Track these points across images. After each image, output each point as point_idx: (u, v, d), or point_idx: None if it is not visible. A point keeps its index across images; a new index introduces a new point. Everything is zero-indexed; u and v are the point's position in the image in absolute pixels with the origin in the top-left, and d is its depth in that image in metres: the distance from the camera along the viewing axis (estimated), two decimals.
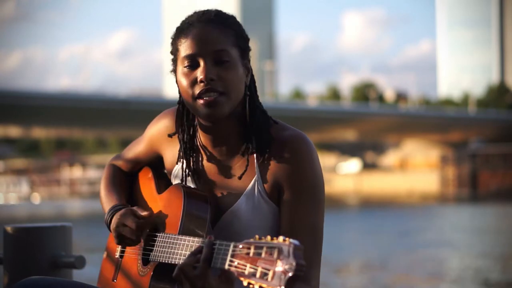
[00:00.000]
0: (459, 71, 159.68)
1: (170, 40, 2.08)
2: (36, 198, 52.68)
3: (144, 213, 2.06)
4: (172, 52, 2.07)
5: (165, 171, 2.24)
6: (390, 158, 73.14)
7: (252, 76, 2.10)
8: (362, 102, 75.01)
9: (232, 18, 2.06)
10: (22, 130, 55.18)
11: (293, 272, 1.57)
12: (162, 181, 2.22)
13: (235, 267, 1.66)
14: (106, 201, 2.22)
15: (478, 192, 52.96)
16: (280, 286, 1.57)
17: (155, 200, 2.16)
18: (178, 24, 2.08)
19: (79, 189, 59.39)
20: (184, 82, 2.01)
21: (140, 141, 2.30)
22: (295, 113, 49.52)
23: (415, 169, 64.18)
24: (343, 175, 67.91)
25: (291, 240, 1.60)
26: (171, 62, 2.08)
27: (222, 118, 2.01)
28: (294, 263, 1.57)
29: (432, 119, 57.87)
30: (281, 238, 1.62)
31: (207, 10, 2.05)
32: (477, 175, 55.27)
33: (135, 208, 2.10)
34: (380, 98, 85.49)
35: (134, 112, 41.99)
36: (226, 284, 1.76)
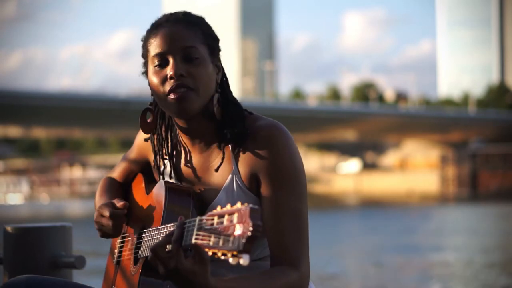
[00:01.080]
0: (459, 71, 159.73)
1: (141, 43, 2.11)
2: (37, 198, 52.71)
3: (120, 204, 2.11)
4: (143, 55, 2.10)
5: (154, 173, 2.28)
6: (390, 158, 73.16)
7: (224, 74, 2.13)
8: (362, 102, 74.99)
9: (200, 18, 2.09)
10: (22, 130, 55.21)
11: (250, 233, 1.59)
12: (152, 183, 2.25)
13: (201, 239, 1.69)
14: (98, 202, 2.28)
15: (478, 192, 53.01)
16: (238, 248, 1.59)
17: (143, 201, 2.20)
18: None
19: (79, 189, 59.46)
20: (155, 80, 2.03)
21: (131, 150, 2.36)
22: (295, 113, 49.53)
23: (415, 169, 64.21)
24: (343, 175, 67.97)
25: (250, 204, 1.63)
26: (142, 65, 2.12)
27: (192, 114, 2.03)
28: (250, 224, 1.59)
29: (432, 119, 57.89)
30: (239, 204, 1.64)
31: (176, 12, 2.09)
32: (477, 175, 55.34)
33: (114, 200, 2.14)
34: (380, 98, 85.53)
35: (134, 112, 41.98)
36: (200, 264, 1.74)
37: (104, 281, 2.28)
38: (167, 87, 2.00)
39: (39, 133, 61.27)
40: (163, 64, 2.02)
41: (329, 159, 74.23)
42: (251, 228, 1.59)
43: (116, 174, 2.39)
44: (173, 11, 2.12)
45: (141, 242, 2.09)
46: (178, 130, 2.13)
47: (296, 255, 1.98)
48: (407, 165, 67.96)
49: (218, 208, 1.68)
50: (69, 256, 2.83)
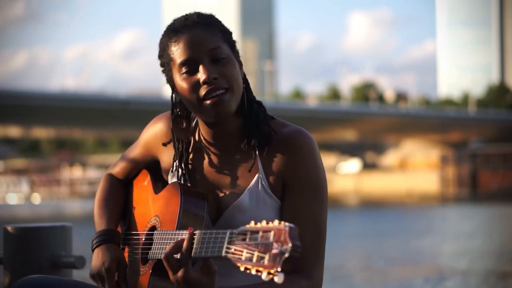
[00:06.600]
0: (459, 71, 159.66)
1: (159, 52, 2.08)
2: (36, 198, 52.67)
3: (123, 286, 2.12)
4: (164, 64, 2.07)
5: (162, 172, 2.25)
6: (390, 158, 73.10)
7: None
8: (362, 102, 74.97)
9: (211, 16, 2.08)
10: (22, 130, 55.20)
11: (288, 253, 1.58)
12: (159, 182, 2.24)
13: (232, 253, 1.67)
14: (97, 220, 2.28)
15: (478, 192, 52.93)
16: (276, 267, 1.57)
17: (152, 201, 2.18)
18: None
19: (79, 189, 59.39)
20: (185, 87, 2.01)
21: (136, 145, 2.32)
22: (295, 113, 49.53)
23: (415, 169, 64.14)
24: (343, 175, 67.89)
25: (286, 223, 1.61)
26: (164, 74, 2.09)
27: (229, 115, 2.03)
28: (289, 244, 1.58)
29: (432, 119, 57.89)
30: (276, 222, 1.63)
31: (188, 15, 2.07)
32: (477, 175, 55.25)
33: (118, 262, 2.15)
34: (380, 98, 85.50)
35: (134, 112, 42.03)
36: (207, 276, 1.77)
37: None
38: (202, 92, 1.99)
39: (39, 133, 61.25)
40: (191, 70, 2.01)
41: (329, 159, 74.17)
42: (290, 249, 1.58)
43: (118, 170, 2.36)
44: (180, 14, 2.10)
45: (151, 243, 2.07)
46: (202, 129, 2.12)
47: (310, 263, 2.00)
48: (407, 165, 67.90)
49: (252, 223, 1.67)
50: (69, 256, 2.83)
